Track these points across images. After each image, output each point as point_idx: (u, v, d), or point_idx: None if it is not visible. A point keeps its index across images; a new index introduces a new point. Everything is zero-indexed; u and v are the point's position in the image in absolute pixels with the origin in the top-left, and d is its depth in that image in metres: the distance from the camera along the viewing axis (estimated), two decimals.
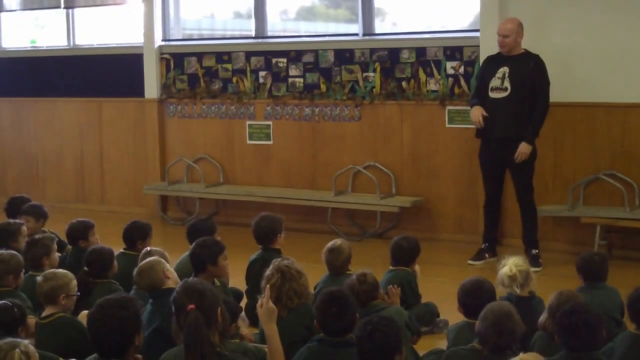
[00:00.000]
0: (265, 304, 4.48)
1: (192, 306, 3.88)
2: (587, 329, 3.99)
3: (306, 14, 10.75)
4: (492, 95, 7.94)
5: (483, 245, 8.25)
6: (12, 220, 6.80)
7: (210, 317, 3.92)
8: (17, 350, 3.51)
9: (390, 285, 5.66)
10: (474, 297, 4.75)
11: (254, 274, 6.12)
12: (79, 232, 6.65)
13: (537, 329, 4.66)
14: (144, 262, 5.24)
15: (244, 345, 4.53)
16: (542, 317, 4.62)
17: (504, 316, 4.19)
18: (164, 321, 4.58)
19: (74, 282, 5.12)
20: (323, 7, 10.71)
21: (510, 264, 5.16)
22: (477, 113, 7.91)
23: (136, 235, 6.52)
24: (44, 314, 4.97)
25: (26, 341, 3.65)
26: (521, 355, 3.64)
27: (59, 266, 5.95)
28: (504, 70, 7.89)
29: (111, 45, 11.34)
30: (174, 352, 4.05)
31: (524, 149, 7.79)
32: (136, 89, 10.80)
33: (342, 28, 10.32)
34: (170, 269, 5.21)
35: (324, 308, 4.36)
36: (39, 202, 7.69)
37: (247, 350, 4.42)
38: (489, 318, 4.20)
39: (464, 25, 9.34)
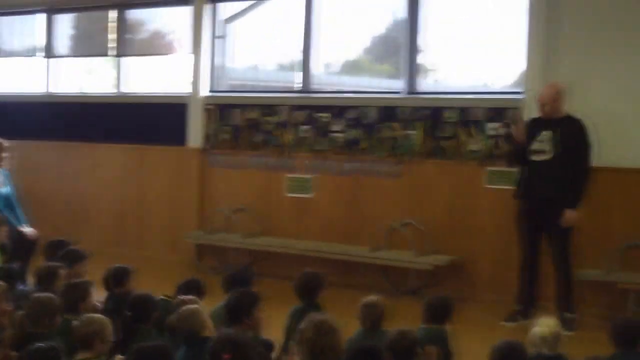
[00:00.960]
0: (290, 358, 4.49)
1: (228, 356, 3.92)
2: None
3: (350, 68, 10.85)
4: (534, 158, 7.96)
5: (517, 307, 8.20)
6: (51, 264, 6.88)
7: None
8: None
9: (429, 346, 5.63)
10: (505, 358, 4.72)
11: (293, 326, 6.11)
12: (118, 278, 6.71)
13: None
14: (185, 307, 5.29)
15: None
16: None
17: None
18: None
19: (110, 328, 5.16)
20: (367, 61, 10.80)
21: (542, 325, 5.15)
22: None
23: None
24: (78, 357, 5.02)
25: None
26: None
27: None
28: (547, 133, 7.91)
29: (158, 94, 11.52)
30: None
31: (570, 215, 7.80)
32: (180, 137, 10.95)
33: (386, 84, 10.40)
34: (207, 318, 5.25)
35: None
36: (76, 247, 7.78)
37: None
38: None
39: (508, 86, 9.38)
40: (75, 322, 5.15)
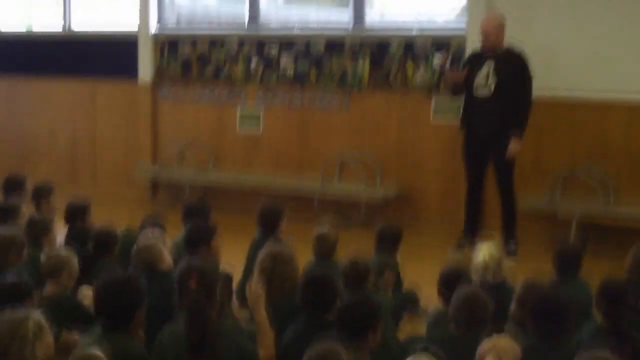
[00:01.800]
0: (254, 287, 4.71)
1: (193, 282, 4.14)
2: (557, 316, 4.25)
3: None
4: (477, 92, 8.18)
5: (463, 235, 8.51)
6: (10, 201, 7.01)
7: (210, 294, 4.18)
8: (30, 320, 3.76)
9: (386, 274, 5.89)
10: (451, 287, 4.98)
11: (252, 256, 6.29)
12: (77, 212, 6.87)
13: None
14: (143, 240, 5.48)
15: (236, 324, 4.73)
16: (512, 307, 4.88)
17: (473, 295, 4.49)
18: (159, 300, 4.82)
19: (75, 261, 5.35)
20: None
21: (484, 253, 5.42)
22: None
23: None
24: (46, 289, 5.21)
25: (38, 311, 3.90)
26: (493, 338, 3.88)
27: None
28: (488, 66, 8.13)
29: (107, 32, 11.51)
30: (172, 329, 4.30)
31: (515, 146, 8.04)
32: (130, 72, 11.01)
33: (334, 15, 10.46)
34: (166, 253, 5.45)
35: (305, 289, 4.63)
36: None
37: (241, 329, 4.62)
38: (459, 300, 4.50)
39: (452, 19, 9.57)
40: (41, 256, 5.33)
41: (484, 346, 3.86)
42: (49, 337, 3.82)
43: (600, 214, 8.34)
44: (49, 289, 5.19)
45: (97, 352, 3.68)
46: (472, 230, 8.44)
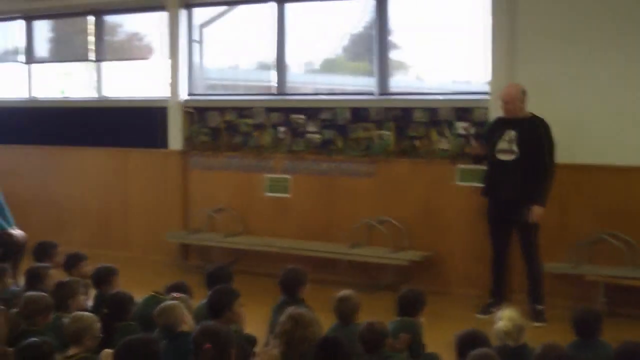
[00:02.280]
0: (269, 350, 4.80)
1: (208, 345, 4.23)
2: None
3: (324, 67, 11.11)
4: (500, 157, 8.29)
5: (490, 299, 8.54)
6: (40, 265, 7.17)
7: (224, 356, 4.26)
8: None
9: (402, 334, 5.93)
10: (468, 345, 5.02)
11: (273, 319, 6.35)
12: (102, 277, 7.02)
13: None
14: (164, 303, 5.60)
15: None
16: None
17: (485, 357, 4.52)
18: None
19: (98, 324, 5.45)
20: (341, 60, 11.07)
21: (505, 319, 5.45)
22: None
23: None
24: (69, 353, 5.31)
25: None
26: None
27: None
28: (511, 133, 8.24)
29: (138, 99, 11.81)
30: None
31: (538, 211, 8.12)
32: (161, 140, 11.25)
33: (360, 81, 10.66)
34: (187, 314, 5.55)
35: (317, 352, 4.69)
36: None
37: None
38: None
39: (475, 88, 9.72)
40: (65, 320, 5.44)
41: None
42: None
43: (628, 276, 8.33)
44: (71, 351, 5.28)
45: None
46: (499, 294, 8.48)
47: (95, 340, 5.40)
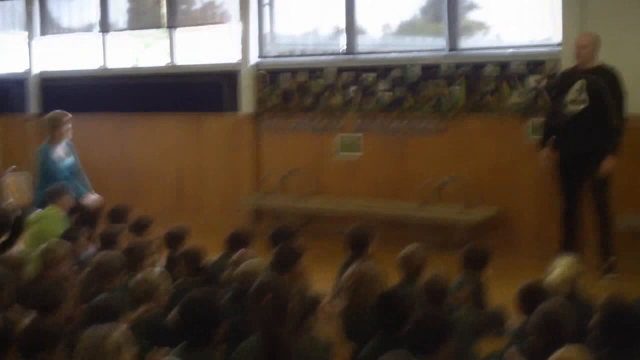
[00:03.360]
0: (327, 307, 4.87)
1: (265, 299, 4.31)
2: (629, 328, 4.25)
3: (393, 29, 11.11)
4: (571, 107, 8.15)
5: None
6: (111, 228, 7.37)
7: (282, 310, 4.34)
8: (111, 336, 3.98)
9: (465, 287, 5.96)
10: (529, 301, 4.99)
11: (340, 277, 6.43)
12: (176, 237, 7.17)
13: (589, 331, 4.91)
14: (248, 261, 5.69)
15: (314, 340, 4.84)
16: (594, 319, 4.87)
17: (553, 311, 4.50)
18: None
19: (167, 283, 5.58)
20: (411, 22, 11.02)
21: (563, 267, 5.42)
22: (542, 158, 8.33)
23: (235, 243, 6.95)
24: (140, 309, 5.44)
25: (124, 326, 4.11)
26: (564, 348, 3.89)
27: None
28: (582, 83, 8.09)
29: (210, 64, 11.93)
30: (247, 344, 4.48)
31: (609, 163, 7.99)
32: (233, 104, 11.36)
33: (428, 42, 10.64)
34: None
35: (377, 307, 4.75)
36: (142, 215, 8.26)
37: (316, 346, 4.74)
38: (539, 314, 4.52)
39: (545, 39, 9.56)
40: (134, 279, 5.58)
41: (554, 357, 3.89)
42: (129, 353, 4.02)
43: None
44: (142, 308, 5.41)
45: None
46: (569, 250, 8.35)
47: (164, 298, 5.52)
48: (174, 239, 7.22)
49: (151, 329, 5.11)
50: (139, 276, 5.56)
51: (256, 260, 5.80)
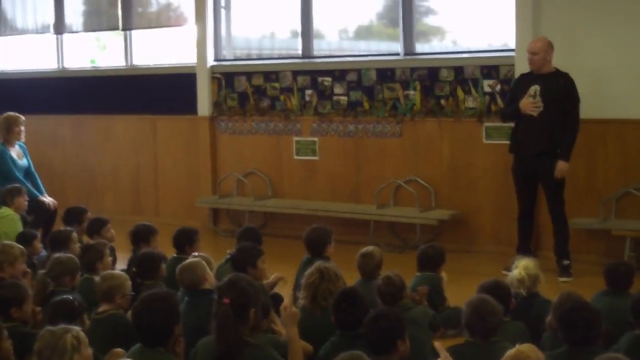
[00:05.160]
0: (288, 308, 4.89)
1: (226, 300, 4.32)
2: (585, 324, 4.32)
3: (351, 33, 11.16)
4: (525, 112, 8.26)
5: (517, 256, 8.53)
6: (63, 229, 7.31)
7: (242, 313, 4.35)
8: (69, 334, 3.98)
9: (420, 287, 6.02)
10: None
11: (299, 276, 6.45)
12: (143, 236, 7.19)
13: (545, 329, 4.99)
14: (186, 261, 5.71)
15: (275, 338, 4.89)
16: (549, 317, 4.95)
17: (481, 302, 4.62)
18: (200, 319, 5.04)
19: (129, 283, 5.55)
20: (366, 26, 11.08)
21: (520, 268, 5.50)
22: (525, 102, 8.24)
23: (183, 240, 6.99)
24: (99, 309, 5.43)
25: (78, 327, 4.10)
26: (517, 346, 3.96)
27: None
28: (536, 88, 8.20)
29: (166, 65, 11.90)
30: (207, 340, 4.48)
31: (563, 166, 8.11)
32: (189, 106, 11.34)
33: (385, 47, 10.73)
34: (209, 272, 5.65)
35: (336, 305, 4.78)
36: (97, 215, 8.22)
37: (277, 343, 4.77)
38: (469, 308, 4.68)
39: (500, 44, 9.68)
40: (96, 278, 5.55)
41: (508, 353, 3.94)
42: (87, 351, 4.02)
43: None
44: (102, 309, 5.39)
45: None
46: (525, 251, 8.45)
47: (127, 299, 5.49)
48: (141, 237, 7.20)
49: (113, 327, 5.09)
50: (102, 275, 5.55)
51: (196, 260, 5.79)
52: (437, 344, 3.07)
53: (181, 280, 5.59)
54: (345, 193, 10.32)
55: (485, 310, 4.59)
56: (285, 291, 6.81)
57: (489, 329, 4.56)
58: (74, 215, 8.00)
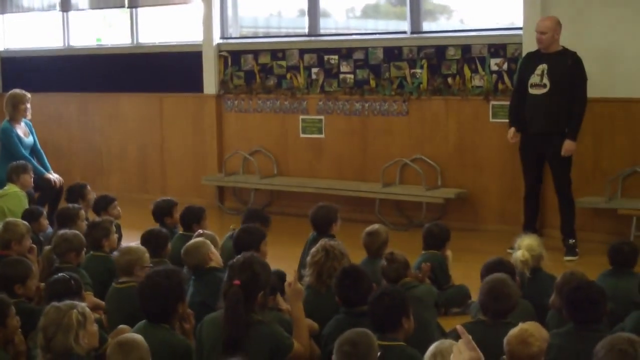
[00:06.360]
0: (293, 284, 4.89)
1: (237, 282, 4.32)
2: (590, 303, 4.32)
3: (357, 11, 11.13)
4: (532, 91, 8.21)
5: (520, 234, 8.52)
6: (70, 206, 7.32)
7: (251, 295, 4.35)
8: (74, 310, 3.99)
9: (423, 263, 6.02)
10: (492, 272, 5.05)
11: (305, 254, 6.44)
12: (164, 210, 7.29)
13: (549, 308, 4.99)
14: (190, 241, 5.71)
15: (280, 316, 4.91)
16: (552, 297, 4.94)
17: (499, 283, 4.57)
18: (207, 296, 5.05)
19: (147, 256, 5.60)
20: (373, 5, 11.05)
21: (524, 249, 5.48)
22: (510, 134, 8.36)
23: (191, 218, 7.00)
24: (120, 280, 5.46)
25: (83, 303, 4.12)
26: (521, 324, 3.96)
27: None
28: (543, 67, 8.16)
29: (172, 43, 11.87)
30: (213, 316, 4.50)
31: (569, 146, 8.08)
32: (195, 85, 11.32)
33: (392, 25, 10.68)
34: (215, 251, 5.66)
35: (340, 282, 4.78)
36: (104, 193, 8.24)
37: (282, 320, 4.80)
38: (486, 287, 4.61)
39: (508, 23, 9.64)
40: (115, 253, 5.61)
41: (512, 331, 3.94)
42: (92, 327, 4.04)
43: None
44: (123, 279, 5.45)
45: (137, 336, 3.89)
46: (531, 229, 8.43)
47: (145, 271, 5.47)
48: (164, 212, 7.34)
49: (131, 300, 5.06)
50: (120, 250, 5.63)
51: (200, 240, 5.80)
52: (460, 327, 3.07)
53: (186, 261, 5.60)
54: (351, 171, 10.30)
55: (501, 293, 4.55)
56: (289, 269, 6.82)
57: (502, 310, 4.54)
58: (75, 193, 7.95)
